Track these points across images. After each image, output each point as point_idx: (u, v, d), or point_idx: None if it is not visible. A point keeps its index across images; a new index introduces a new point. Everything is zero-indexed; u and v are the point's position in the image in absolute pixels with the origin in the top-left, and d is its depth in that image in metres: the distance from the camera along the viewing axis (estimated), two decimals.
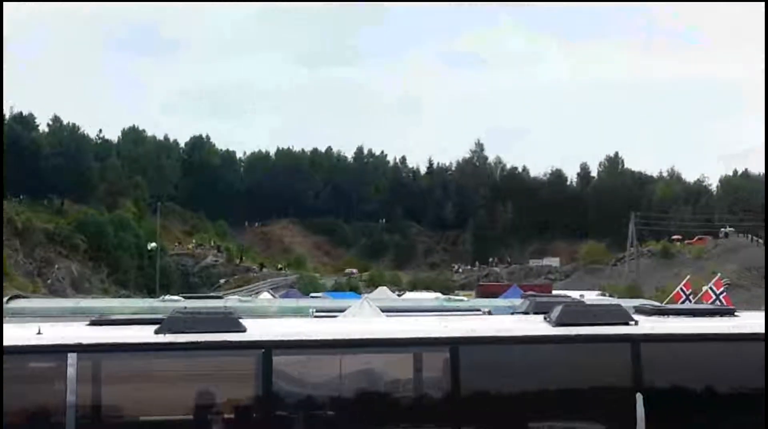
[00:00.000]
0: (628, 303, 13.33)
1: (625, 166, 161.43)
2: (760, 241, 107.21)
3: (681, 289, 24.59)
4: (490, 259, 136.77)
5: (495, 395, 8.99)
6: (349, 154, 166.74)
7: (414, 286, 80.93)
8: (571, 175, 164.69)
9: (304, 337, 8.98)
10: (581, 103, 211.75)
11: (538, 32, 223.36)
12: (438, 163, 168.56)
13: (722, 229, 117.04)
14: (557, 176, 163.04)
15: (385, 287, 46.44)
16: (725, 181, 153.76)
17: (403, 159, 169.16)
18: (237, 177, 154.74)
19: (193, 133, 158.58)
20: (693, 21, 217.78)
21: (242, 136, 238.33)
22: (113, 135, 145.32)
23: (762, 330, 9.38)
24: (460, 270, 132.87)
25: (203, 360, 8.65)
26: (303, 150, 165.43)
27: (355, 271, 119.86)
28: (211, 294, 40.92)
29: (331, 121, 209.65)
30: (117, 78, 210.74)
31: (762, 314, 12.38)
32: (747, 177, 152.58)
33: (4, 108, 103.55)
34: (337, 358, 8.94)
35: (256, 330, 8.88)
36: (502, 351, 9.05)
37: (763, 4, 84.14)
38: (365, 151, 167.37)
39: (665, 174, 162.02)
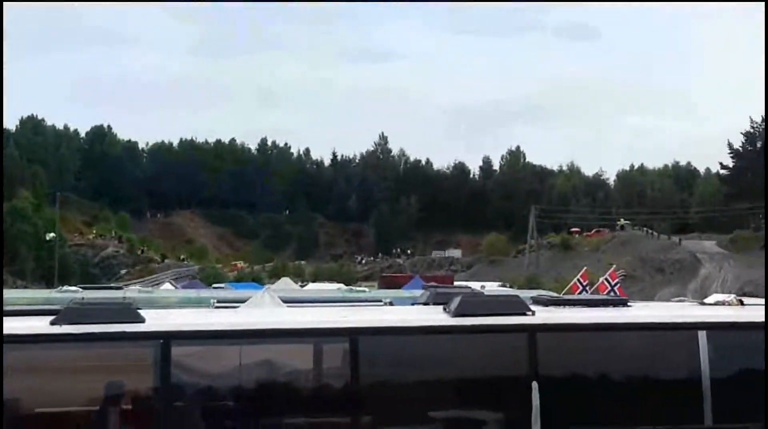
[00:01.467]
0: (526, 294, 13.55)
1: (527, 159, 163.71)
2: (655, 233, 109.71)
3: (578, 280, 25.03)
4: (393, 251, 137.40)
5: (394, 385, 9.04)
6: (253, 146, 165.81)
7: (317, 277, 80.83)
8: (474, 168, 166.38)
9: (202, 328, 8.93)
10: (485, 97, 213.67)
11: (446, 28, 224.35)
12: (342, 156, 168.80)
13: (619, 222, 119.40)
14: (460, 169, 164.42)
15: (287, 278, 46.24)
16: (622, 175, 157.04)
17: (307, 151, 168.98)
18: (139, 168, 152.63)
19: (94, 122, 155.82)
20: (596, 19, 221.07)
21: (145, 127, 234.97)
22: (11, 124, 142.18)
23: (652, 320, 9.66)
24: (363, 261, 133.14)
25: (100, 351, 8.51)
26: (207, 141, 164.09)
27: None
28: (111, 285, 40.28)
29: (235, 113, 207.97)
30: (15, 66, 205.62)
31: (653, 304, 12.73)
32: (643, 171, 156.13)
33: None
34: (237, 348, 8.87)
35: (155, 320, 8.80)
36: (402, 341, 9.11)
37: (762, 4, 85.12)
38: (269, 143, 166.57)
39: (565, 168, 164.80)
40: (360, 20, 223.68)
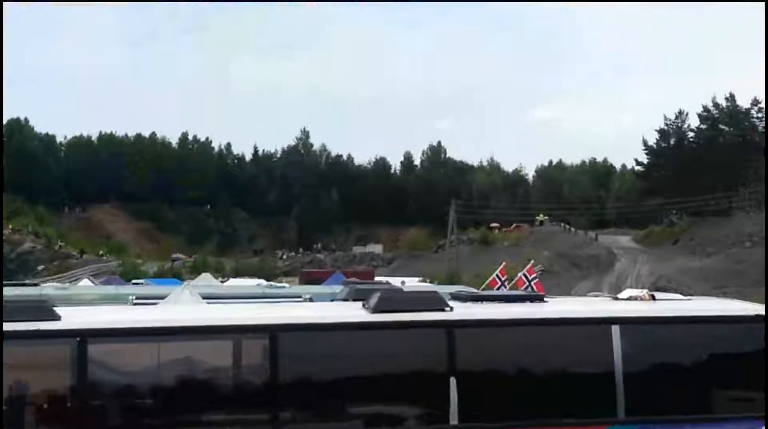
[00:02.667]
0: (445, 289, 13.68)
1: (448, 155, 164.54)
2: (572, 228, 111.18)
3: (497, 275, 25.24)
4: (315, 246, 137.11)
5: (314, 381, 9.09)
6: (174, 140, 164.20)
7: (238, 273, 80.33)
8: (395, 163, 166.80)
9: (120, 325, 8.87)
10: (406, 92, 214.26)
11: (368, 21, 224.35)
12: (264, 150, 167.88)
13: (537, 218, 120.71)
14: (381, 164, 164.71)
15: (208, 274, 45.90)
16: (541, 171, 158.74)
17: (228, 146, 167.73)
18: (57, 162, 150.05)
19: (10, 115, 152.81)
20: (518, 13, 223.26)
21: (63, 120, 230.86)
22: None
23: (567, 315, 9.85)
24: (285, 256, 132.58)
25: (16, 350, 8.35)
26: (126, 135, 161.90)
27: (181, 256, 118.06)
28: (26, 281, 39.53)
29: (155, 107, 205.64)
30: None
31: (569, 299, 12.97)
32: (561, 167, 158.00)
33: None
34: (155, 346, 8.85)
35: (71, 318, 8.71)
36: (321, 337, 9.16)
37: (762, 4, 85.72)
38: (190, 137, 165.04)
39: (485, 163, 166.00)
40: (283, 14, 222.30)
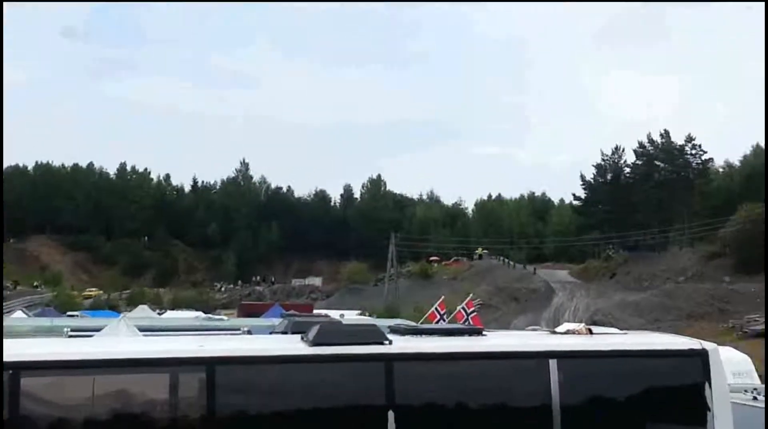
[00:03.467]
0: (385, 322, 13.69)
1: (387, 188, 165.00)
2: (511, 262, 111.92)
3: (436, 308, 25.30)
4: (254, 278, 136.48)
5: (252, 415, 8.98)
6: (112, 171, 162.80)
7: (175, 305, 79.62)
8: (335, 196, 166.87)
9: (54, 358, 8.72)
10: (348, 125, 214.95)
11: (307, 56, 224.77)
12: (203, 182, 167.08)
13: (477, 251, 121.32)
14: (321, 197, 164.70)
15: (145, 306, 45.46)
16: (480, 205, 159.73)
17: (167, 177, 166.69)
18: None
19: None
20: (457, 50, 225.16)
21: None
22: None
23: (505, 348, 9.88)
24: (223, 289, 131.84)
25: None
26: (63, 165, 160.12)
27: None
28: None
29: (93, 137, 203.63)
30: None
31: (507, 333, 13.02)
32: (500, 201, 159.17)
33: None
34: (90, 378, 8.71)
35: (4, 350, 8.55)
36: (259, 371, 9.09)
37: (762, 4, 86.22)
38: (128, 168, 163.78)
39: (425, 197, 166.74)
40: (221, 44, 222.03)
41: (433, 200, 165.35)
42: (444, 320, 24.14)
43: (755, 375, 20.02)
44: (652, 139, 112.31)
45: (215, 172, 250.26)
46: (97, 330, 14.63)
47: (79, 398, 8.69)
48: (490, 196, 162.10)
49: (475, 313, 25.32)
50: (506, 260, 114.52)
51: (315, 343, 9.24)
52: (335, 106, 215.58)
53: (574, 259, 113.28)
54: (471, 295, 30.50)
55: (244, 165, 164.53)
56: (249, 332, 15.25)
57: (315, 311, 48.27)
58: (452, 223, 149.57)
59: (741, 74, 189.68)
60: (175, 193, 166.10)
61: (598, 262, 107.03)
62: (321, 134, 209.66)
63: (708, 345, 9.95)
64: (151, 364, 8.98)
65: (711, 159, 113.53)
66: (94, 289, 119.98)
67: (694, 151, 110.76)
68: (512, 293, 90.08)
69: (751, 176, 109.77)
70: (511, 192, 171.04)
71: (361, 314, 47.54)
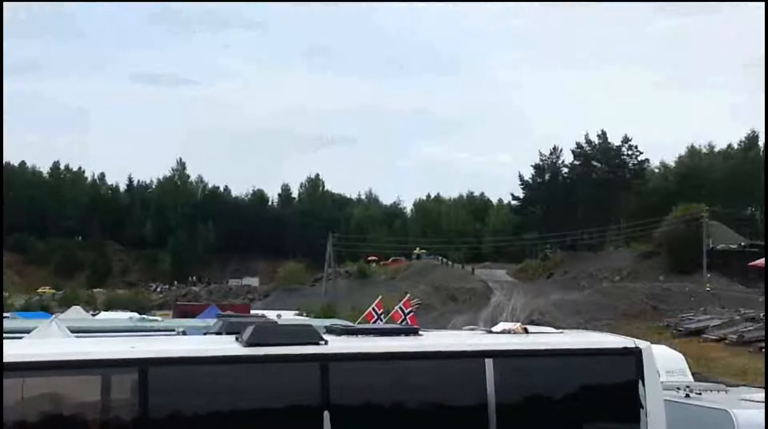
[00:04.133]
0: (320, 323, 13.62)
1: (326, 188, 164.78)
2: (449, 262, 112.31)
3: (373, 308, 25.31)
4: (190, 279, 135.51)
5: (185, 417, 8.91)
6: (45, 170, 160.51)
7: (110, 306, 78.69)
8: (273, 195, 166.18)
9: None
10: (285, 125, 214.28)
11: (245, 54, 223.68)
12: (138, 181, 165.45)
13: (415, 251, 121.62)
14: (259, 196, 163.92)
15: (78, 307, 44.74)
16: (419, 205, 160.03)
17: (102, 176, 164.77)
18: None
19: None
20: (396, 49, 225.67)
21: None
22: None
23: (441, 348, 9.87)
24: (159, 289, 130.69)
25: None
26: None
27: (47, 288, 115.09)
28: None
29: (25, 135, 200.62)
30: None
31: (443, 333, 13.02)
32: (439, 201, 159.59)
33: None
34: (20, 381, 8.55)
35: None
36: (192, 372, 9.01)
37: (762, 4, 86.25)
38: (62, 167, 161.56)
39: (363, 196, 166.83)
40: (158, 41, 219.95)
41: (372, 200, 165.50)
42: (381, 320, 24.15)
43: (688, 372, 20.30)
44: (589, 139, 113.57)
45: (151, 171, 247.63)
46: (27, 332, 14.33)
47: (8, 401, 8.51)
48: (428, 196, 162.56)
49: (412, 313, 25.38)
50: (444, 260, 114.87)
51: (249, 343, 9.18)
52: (273, 105, 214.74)
53: (512, 259, 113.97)
54: (408, 294, 30.59)
55: (181, 164, 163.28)
56: (184, 333, 15.06)
57: (252, 311, 48.03)
58: (391, 223, 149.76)
59: (676, 75, 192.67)
60: (110, 192, 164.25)
61: (536, 261, 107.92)
62: (259, 133, 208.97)
63: (641, 343, 10.05)
64: (81, 366, 8.85)
65: (647, 160, 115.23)
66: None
67: (630, 152, 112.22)
68: (450, 293, 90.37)
69: (685, 176, 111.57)
70: (450, 192, 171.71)
71: (298, 314, 47.37)
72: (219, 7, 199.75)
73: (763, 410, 11.52)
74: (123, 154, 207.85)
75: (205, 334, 11.63)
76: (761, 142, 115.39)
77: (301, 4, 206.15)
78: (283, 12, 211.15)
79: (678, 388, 12.43)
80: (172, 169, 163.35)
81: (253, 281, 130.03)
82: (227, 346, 9.40)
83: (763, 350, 53.38)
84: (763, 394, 12.88)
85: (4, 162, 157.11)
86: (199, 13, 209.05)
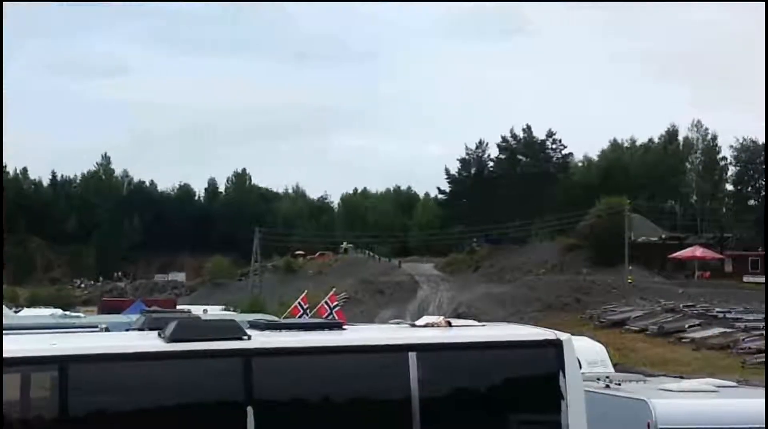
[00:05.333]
0: (245, 317, 13.60)
1: (253, 182, 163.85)
2: (376, 256, 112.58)
3: (299, 303, 25.35)
4: (115, 274, 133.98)
5: (107, 414, 8.85)
6: None
7: (33, 303, 77.55)
8: (200, 189, 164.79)
9: None
10: (211, 118, 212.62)
11: (171, 46, 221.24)
12: (62, 175, 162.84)
13: (342, 245, 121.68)
14: (185, 191, 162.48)
15: None
16: (346, 199, 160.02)
17: (25, 170, 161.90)
18: None
19: None
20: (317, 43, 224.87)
21: None
22: None
23: (364, 342, 9.94)
24: (83, 285, 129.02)
25: None
26: None
27: None
28: None
29: None
30: None
31: (368, 327, 13.08)
32: (366, 195, 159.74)
33: None
34: None
35: None
36: (113, 368, 8.94)
37: (762, 4, 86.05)
38: None
39: (290, 191, 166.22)
40: (76, 32, 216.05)
41: (299, 194, 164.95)
42: (307, 314, 24.18)
43: (609, 363, 20.66)
44: (514, 133, 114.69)
45: (75, 165, 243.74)
46: None
47: None
48: (356, 190, 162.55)
49: (338, 307, 25.48)
50: (372, 254, 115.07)
51: (172, 339, 9.14)
52: (199, 98, 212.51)
53: (439, 252, 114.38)
54: (334, 289, 30.67)
55: (106, 158, 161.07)
56: (107, 329, 14.94)
57: (178, 307, 47.85)
58: (318, 217, 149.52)
59: (597, 70, 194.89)
60: (32, 186, 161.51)
61: (463, 255, 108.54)
62: (185, 127, 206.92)
63: (561, 335, 10.18)
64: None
65: (571, 153, 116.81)
66: None
67: (554, 146, 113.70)
68: (377, 287, 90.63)
69: (608, 170, 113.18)
70: (377, 186, 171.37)
71: (225, 309, 47.29)
72: None
73: (682, 400, 11.81)
74: (46, 149, 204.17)
75: (127, 330, 11.54)
76: (680, 137, 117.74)
77: None
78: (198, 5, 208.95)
79: (598, 379, 12.64)
80: (97, 164, 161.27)
81: (180, 276, 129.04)
82: (149, 342, 9.34)
83: (683, 340, 54.70)
84: (682, 383, 13.22)
85: None
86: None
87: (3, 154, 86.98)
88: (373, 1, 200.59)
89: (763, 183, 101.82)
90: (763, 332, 52.55)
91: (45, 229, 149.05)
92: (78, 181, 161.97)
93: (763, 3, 79.40)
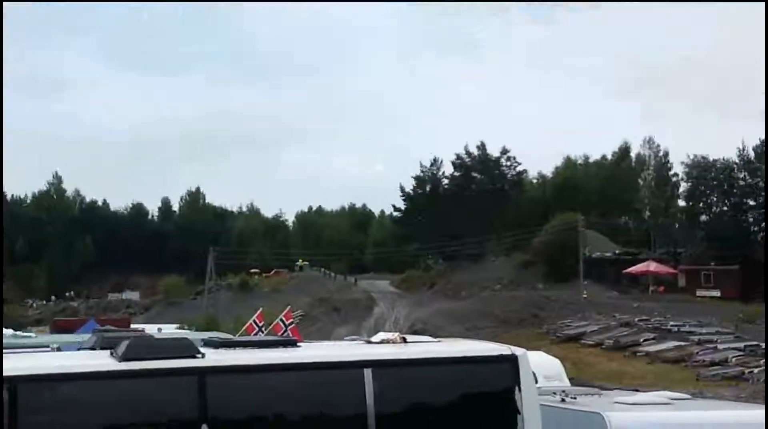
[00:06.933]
0: (199, 336, 13.48)
1: (207, 200, 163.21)
2: (332, 273, 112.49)
3: (254, 321, 25.22)
4: (67, 294, 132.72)
5: None
6: None
7: None
8: (153, 208, 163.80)
9: None
10: (164, 135, 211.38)
11: (109, 61, 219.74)
12: (12, 195, 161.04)
13: (297, 263, 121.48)
14: (138, 210, 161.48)
15: None
16: (300, 217, 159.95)
17: None
18: None
19: None
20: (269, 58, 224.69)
21: None
22: None
23: (319, 359, 9.90)
24: (35, 305, 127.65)
25: None
26: None
27: None
28: None
29: None
30: None
31: (323, 344, 13.02)
32: (321, 213, 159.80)
33: None
34: None
35: None
36: (63, 388, 8.82)
37: (762, 4, 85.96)
38: None
39: (245, 209, 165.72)
40: (26, 48, 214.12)
41: (254, 212, 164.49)
42: (262, 332, 24.05)
43: (565, 377, 20.74)
44: (468, 151, 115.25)
45: (26, 185, 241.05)
46: None
47: None
48: (310, 208, 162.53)
49: (293, 325, 25.35)
50: (327, 271, 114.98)
51: (124, 358, 9.04)
52: (149, 115, 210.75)
53: (394, 269, 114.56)
54: (289, 306, 30.51)
55: (57, 178, 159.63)
56: (59, 349, 14.69)
57: (132, 326, 47.34)
58: (273, 235, 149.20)
59: (550, 87, 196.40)
60: None
61: (418, 272, 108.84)
62: (138, 146, 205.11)
63: (517, 350, 10.20)
64: None
65: (525, 170, 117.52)
66: None
67: (509, 163, 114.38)
68: (333, 304, 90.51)
69: (562, 187, 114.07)
70: (332, 204, 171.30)
71: (180, 327, 46.84)
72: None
73: (637, 412, 11.87)
74: None
75: (79, 349, 11.38)
76: (633, 154, 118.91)
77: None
78: (167, 17, 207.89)
79: (554, 393, 12.67)
80: (48, 183, 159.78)
81: (134, 295, 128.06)
82: (101, 361, 9.22)
83: (638, 354, 55.15)
84: (637, 396, 13.31)
85: None
86: (65, 17, 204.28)
87: (3, 153, 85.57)
88: (323, 15, 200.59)
89: (715, 199, 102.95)
90: (717, 345, 53.37)
91: None
92: (28, 200, 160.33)
93: (763, 3, 79.89)
